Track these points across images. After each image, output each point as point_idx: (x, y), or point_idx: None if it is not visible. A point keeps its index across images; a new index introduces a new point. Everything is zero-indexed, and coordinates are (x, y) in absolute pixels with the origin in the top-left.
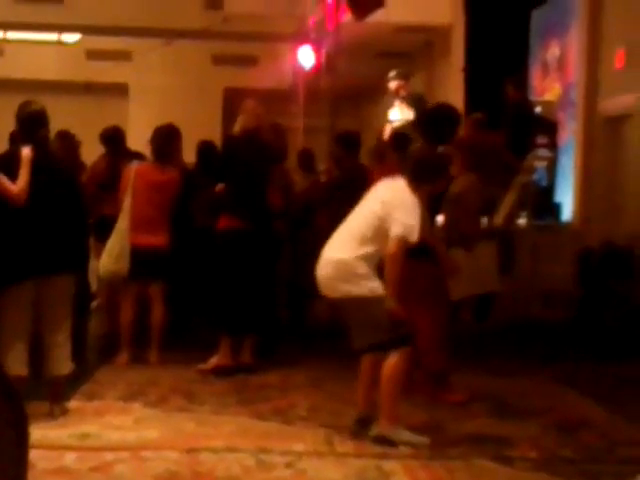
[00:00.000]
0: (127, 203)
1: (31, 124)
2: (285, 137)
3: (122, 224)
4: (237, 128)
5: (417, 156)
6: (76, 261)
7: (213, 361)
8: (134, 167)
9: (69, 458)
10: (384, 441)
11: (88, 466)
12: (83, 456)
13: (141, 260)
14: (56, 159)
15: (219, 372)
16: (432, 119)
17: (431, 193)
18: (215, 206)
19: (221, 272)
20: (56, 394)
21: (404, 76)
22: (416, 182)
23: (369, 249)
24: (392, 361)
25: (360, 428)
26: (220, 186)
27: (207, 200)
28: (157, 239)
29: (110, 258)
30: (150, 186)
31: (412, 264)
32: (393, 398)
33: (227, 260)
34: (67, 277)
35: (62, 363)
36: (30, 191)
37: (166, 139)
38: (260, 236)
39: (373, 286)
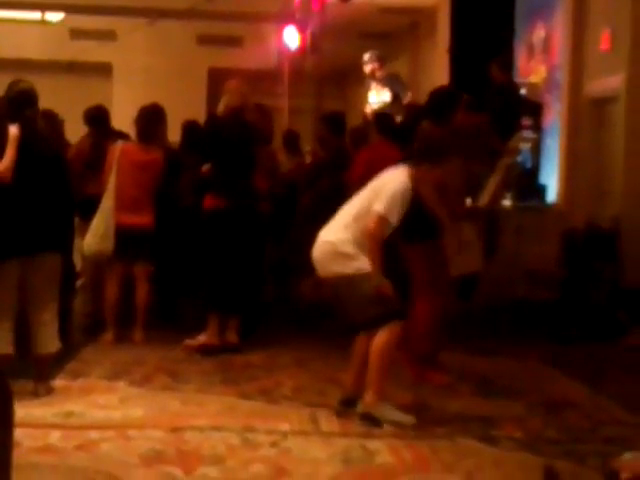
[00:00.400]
0: (112, 182)
1: (19, 103)
2: (271, 118)
3: (107, 203)
4: (221, 107)
5: (422, 136)
6: (62, 240)
7: (201, 339)
8: (119, 147)
9: (54, 436)
10: (370, 419)
11: (73, 444)
12: (68, 434)
13: (126, 239)
14: (44, 138)
15: (205, 351)
16: (436, 100)
17: (443, 177)
18: (200, 186)
19: (207, 251)
20: (41, 373)
21: (378, 58)
22: (424, 163)
23: (356, 230)
24: (382, 337)
25: (345, 408)
26: (206, 166)
27: (192, 180)
28: (142, 219)
29: (95, 237)
30: (135, 166)
31: (416, 248)
32: (382, 374)
33: (213, 239)
34: (53, 256)
35: (48, 342)
36: (16, 170)
37: (150, 119)
38: (244, 215)
39: (359, 265)
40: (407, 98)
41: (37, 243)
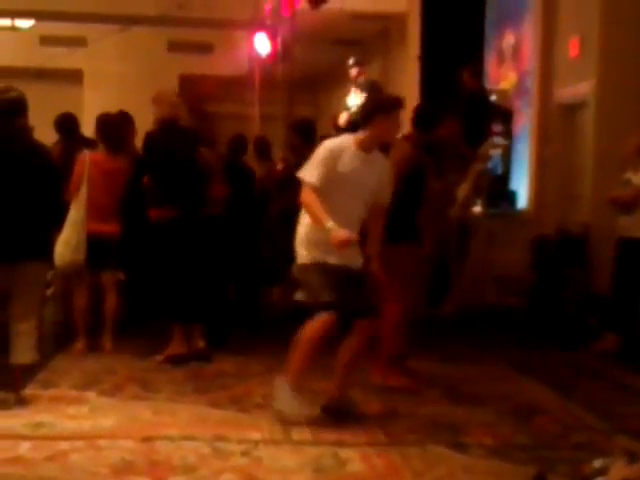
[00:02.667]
0: (83, 192)
1: (9, 112)
2: (209, 120)
3: (78, 214)
4: (154, 120)
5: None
6: (47, 249)
7: (167, 350)
8: (87, 156)
9: (23, 447)
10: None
11: (43, 455)
12: (38, 445)
13: (95, 248)
14: (36, 147)
15: (174, 361)
16: (423, 113)
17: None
18: (144, 196)
19: (160, 262)
20: (13, 383)
21: (361, 63)
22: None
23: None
24: (311, 325)
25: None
26: (146, 179)
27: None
28: (110, 227)
29: (68, 248)
30: (104, 175)
31: (397, 248)
32: (302, 362)
33: (163, 250)
34: (36, 265)
35: (25, 352)
36: (5, 178)
37: (118, 127)
38: (192, 224)
39: (299, 253)
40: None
41: (21, 251)
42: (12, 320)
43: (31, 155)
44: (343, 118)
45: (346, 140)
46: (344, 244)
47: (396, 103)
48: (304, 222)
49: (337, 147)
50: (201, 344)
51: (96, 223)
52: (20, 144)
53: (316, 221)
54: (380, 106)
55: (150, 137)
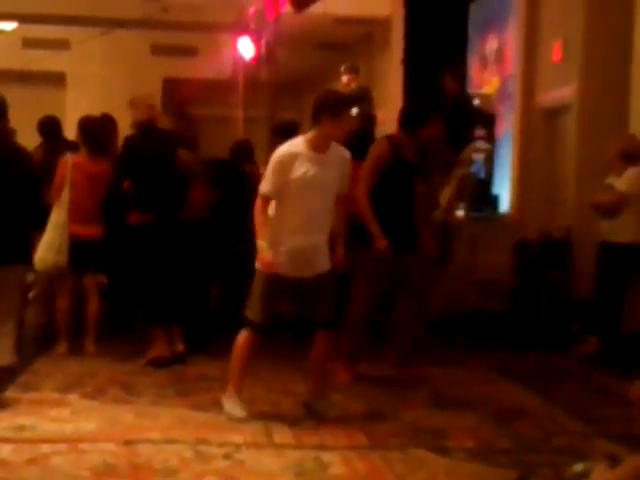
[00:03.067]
0: (65, 195)
1: None
2: (193, 124)
3: (60, 217)
4: (131, 124)
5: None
6: (25, 252)
7: (150, 353)
8: (70, 159)
9: (4, 450)
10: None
11: (24, 458)
12: (19, 448)
13: (77, 251)
14: (17, 150)
15: (156, 363)
16: (409, 113)
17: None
18: (122, 200)
19: (140, 265)
20: None
21: (354, 70)
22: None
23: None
24: (239, 339)
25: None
26: (125, 183)
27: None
28: (92, 230)
29: (50, 250)
30: (87, 178)
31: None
32: (237, 371)
33: (143, 253)
34: (16, 268)
35: (5, 354)
36: None
37: (99, 129)
38: (170, 226)
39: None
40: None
41: (5, 254)
42: None
43: (10, 158)
44: None
45: (298, 143)
46: (268, 267)
47: (343, 104)
48: (269, 223)
49: (288, 153)
50: (180, 347)
51: (78, 226)
52: (3, 148)
53: (257, 234)
54: (326, 106)
55: (128, 141)
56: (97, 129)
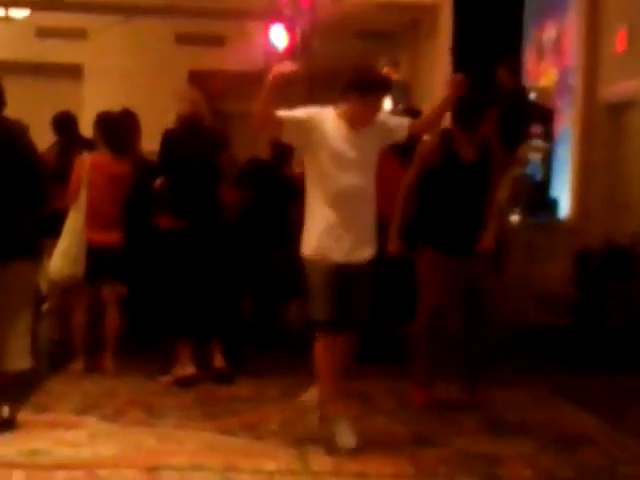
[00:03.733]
0: (82, 199)
1: None
2: (223, 119)
3: (77, 222)
4: (175, 119)
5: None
6: (36, 246)
7: (175, 371)
8: (87, 159)
9: (17, 477)
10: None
11: None
12: (32, 475)
13: (95, 260)
14: (13, 137)
15: (184, 383)
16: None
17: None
18: (152, 202)
19: (168, 274)
20: (8, 392)
21: (394, 62)
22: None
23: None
24: (316, 350)
25: None
26: (158, 181)
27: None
28: (112, 237)
29: (66, 260)
30: (107, 179)
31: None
32: (325, 388)
33: (172, 261)
34: (26, 263)
35: (19, 357)
36: None
37: (121, 126)
38: (206, 234)
39: (303, 242)
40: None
41: (6, 249)
42: (1, 324)
43: (9, 145)
44: None
45: (329, 111)
46: (281, 75)
47: (375, 85)
48: (309, 210)
49: (321, 111)
50: (221, 363)
51: (97, 232)
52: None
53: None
54: (354, 82)
55: (167, 135)
56: (118, 126)
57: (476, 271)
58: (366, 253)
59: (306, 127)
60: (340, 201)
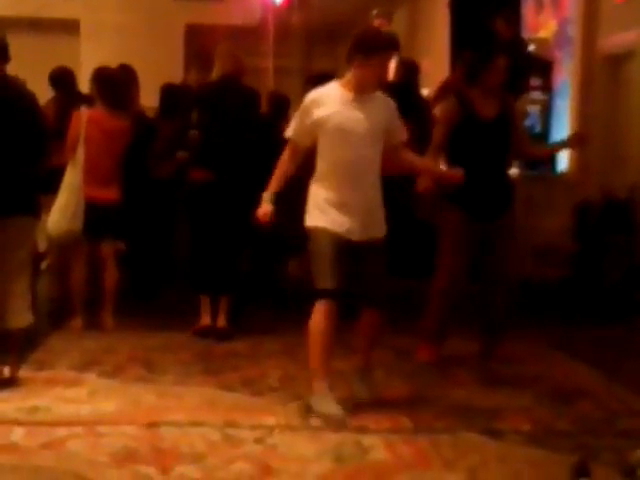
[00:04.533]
0: (80, 154)
1: None
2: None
3: (75, 178)
4: (214, 74)
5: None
6: (35, 203)
7: (198, 322)
8: (85, 113)
9: (17, 434)
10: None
11: (38, 442)
12: (33, 431)
13: (93, 216)
14: (17, 93)
15: (204, 333)
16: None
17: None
18: (179, 170)
19: (194, 228)
20: (9, 350)
21: (387, 15)
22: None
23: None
24: (314, 316)
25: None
26: (181, 153)
27: (167, 149)
28: (110, 193)
29: (64, 216)
30: (104, 134)
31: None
32: (315, 359)
33: (199, 216)
34: (25, 220)
35: (20, 315)
36: None
37: (118, 80)
38: (237, 189)
39: (307, 213)
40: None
41: (5, 205)
42: (1, 282)
43: (10, 99)
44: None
45: (330, 85)
46: (260, 219)
47: (379, 45)
48: (317, 183)
49: (317, 94)
50: (222, 322)
51: (94, 188)
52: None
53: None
54: (358, 45)
55: (207, 92)
56: (115, 80)
57: (498, 232)
58: (377, 230)
59: (314, 127)
60: (348, 174)
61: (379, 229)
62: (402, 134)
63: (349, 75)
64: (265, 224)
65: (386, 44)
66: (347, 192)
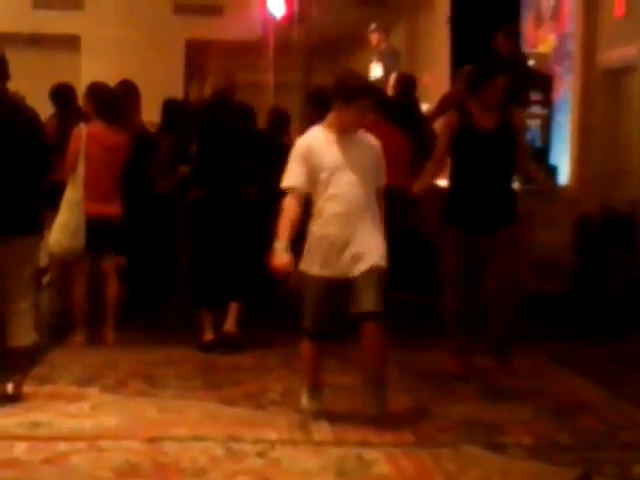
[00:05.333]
0: (80, 170)
1: None
2: None
3: (76, 194)
4: (207, 91)
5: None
6: (38, 222)
7: (203, 336)
8: (84, 129)
9: (19, 449)
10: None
11: (40, 457)
12: (34, 446)
13: (95, 232)
14: (18, 110)
15: (208, 348)
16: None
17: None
18: (182, 184)
19: (197, 243)
20: (13, 368)
21: (384, 29)
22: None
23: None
24: (301, 347)
25: None
26: (183, 168)
27: (168, 164)
28: (111, 208)
29: (65, 233)
30: (104, 150)
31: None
32: (308, 376)
33: (200, 230)
34: (29, 239)
35: (25, 334)
36: None
37: (115, 95)
38: (232, 204)
39: (303, 258)
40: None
41: (10, 224)
42: (6, 301)
43: (13, 118)
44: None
45: (316, 129)
46: (279, 269)
47: (358, 91)
48: (313, 227)
49: (306, 141)
50: (231, 327)
51: (95, 204)
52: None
53: (278, 234)
54: (338, 89)
55: (202, 109)
56: (110, 95)
57: (499, 245)
58: (372, 261)
59: (312, 172)
60: (342, 216)
61: (375, 258)
62: (382, 179)
63: (330, 118)
64: (285, 274)
65: (365, 90)
66: (340, 228)
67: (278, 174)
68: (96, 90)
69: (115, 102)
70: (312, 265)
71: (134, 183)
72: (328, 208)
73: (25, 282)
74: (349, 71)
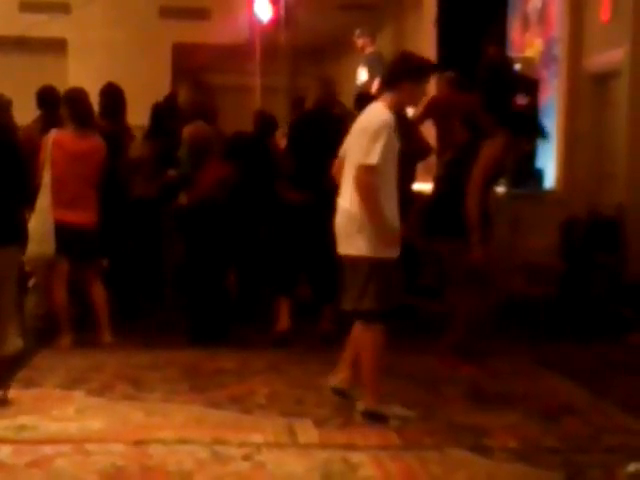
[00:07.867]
0: (46, 177)
1: None
2: (210, 93)
3: (43, 202)
4: (309, 102)
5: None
6: (19, 233)
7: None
8: (51, 136)
9: (4, 452)
10: (373, 416)
11: (25, 461)
12: (20, 450)
13: (67, 238)
14: None
15: (282, 338)
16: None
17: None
18: (168, 187)
19: (288, 243)
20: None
21: (370, 33)
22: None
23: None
24: (367, 336)
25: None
26: (172, 172)
27: (155, 168)
28: (83, 217)
29: (32, 241)
30: (70, 157)
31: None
32: (375, 373)
33: (297, 233)
34: (9, 250)
35: (8, 341)
36: None
37: (86, 101)
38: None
39: (360, 245)
40: (376, 81)
41: None
42: None
43: None
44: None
45: (384, 108)
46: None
47: (427, 70)
48: (357, 204)
49: (391, 119)
50: (328, 325)
51: (64, 211)
52: None
53: (371, 217)
54: (408, 71)
55: (305, 119)
56: (82, 101)
57: (456, 249)
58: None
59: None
60: (391, 190)
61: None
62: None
63: (393, 97)
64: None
65: (433, 67)
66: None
67: (266, 177)
68: (69, 95)
69: (84, 107)
70: (384, 250)
71: (113, 188)
72: (390, 193)
73: (10, 291)
74: (407, 52)
